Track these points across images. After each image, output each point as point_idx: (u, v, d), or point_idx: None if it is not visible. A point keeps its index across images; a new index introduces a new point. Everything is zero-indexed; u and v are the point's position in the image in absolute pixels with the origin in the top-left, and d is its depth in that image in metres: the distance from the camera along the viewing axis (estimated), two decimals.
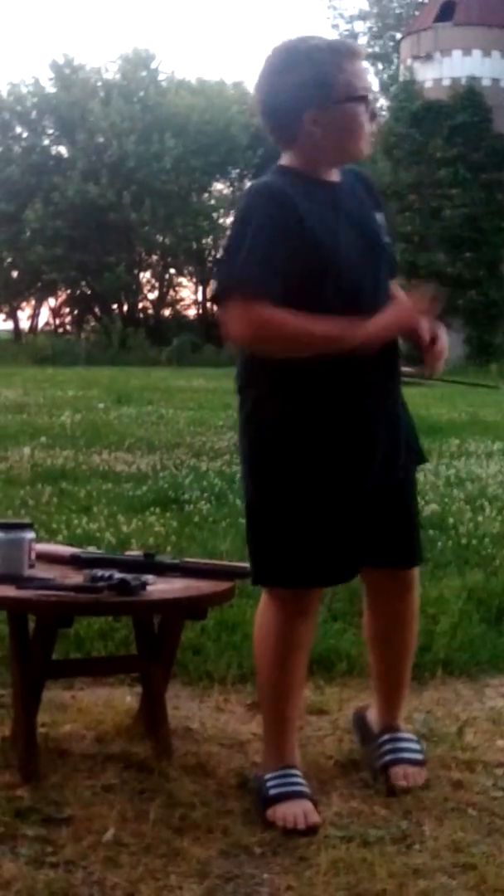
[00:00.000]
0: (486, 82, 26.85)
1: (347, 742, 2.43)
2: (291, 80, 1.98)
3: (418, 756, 2.27)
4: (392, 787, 2.18)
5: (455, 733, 2.52)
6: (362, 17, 35.88)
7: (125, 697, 2.63)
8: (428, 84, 26.51)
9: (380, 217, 2.12)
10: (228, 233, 2.04)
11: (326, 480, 2.06)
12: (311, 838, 1.98)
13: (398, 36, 31.28)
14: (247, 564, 2.42)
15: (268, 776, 2.09)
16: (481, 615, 3.46)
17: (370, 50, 35.05)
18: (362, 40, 35.89)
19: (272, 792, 2.05)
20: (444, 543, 4.41)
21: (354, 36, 36.15)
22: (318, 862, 1.88)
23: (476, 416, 11.15)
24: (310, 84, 1.97)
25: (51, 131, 35.40)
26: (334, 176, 2.09)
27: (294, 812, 2.00)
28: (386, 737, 2.28)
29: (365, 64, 2.06)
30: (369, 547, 2.15)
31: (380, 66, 34.32)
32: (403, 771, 2.20)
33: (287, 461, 2.05)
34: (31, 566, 2.25)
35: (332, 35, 48.26)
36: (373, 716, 2.36)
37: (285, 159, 2.08)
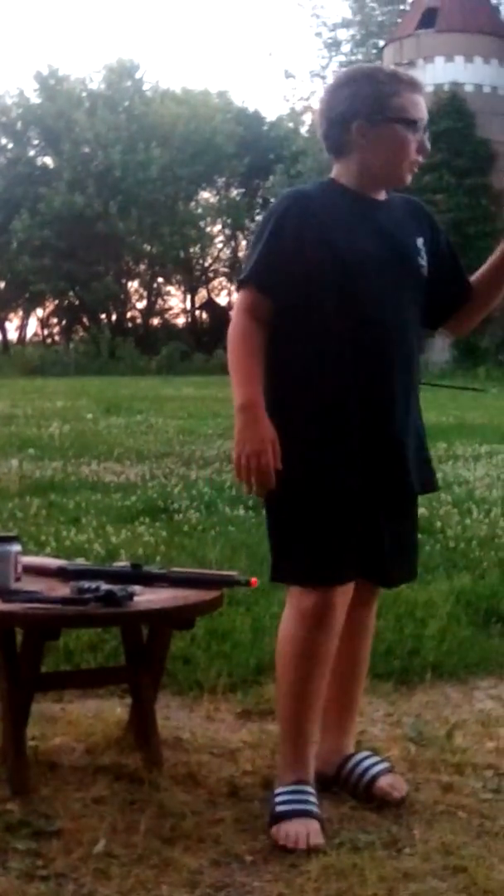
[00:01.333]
0: (468, 88, 27.05)
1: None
2: (349, 92, 2.08)
3: (387, 764, 2.26)
4: (391, 801, 2.17)
5: (444, 736, 2.53)
6: (345, 24, 36.03)
7: (115, 709, 2.63)
8: None
9: (420, 241, 2.14)
10: (255, 231, 2.15)
11: (362, 474, 2.04)
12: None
13: (381, 43, 31.41)
14: (234, 573, 2.44)
15: (279, 790, 2.07)
16: (469, 618, 3.48)
17: (353, 58, 35.16)
18: (345, 48, 36.06)
19: (279, 809, 2.03)
20: (432, 547, 4.43)
21: (337, 44, 36.30)
22: (309, 869, 1.89)
23: (463, 419, 11.20)
24: (365, 97, 2.06)
25: (36, 142, 35.49)
26: (380, 196, 2.14)
27: (298, 831, 1.97)
28: (350, 764, 2.23)
29: (423, 100, 2.12)
30: (378, 561, 2.13)
31: None
32: (388, 783, 2.19)
33: (322, 453, 2.03)
34: (18, 579, 2.26)
35: (314, 43, 48.08)
36: (322, 757, 2.21)
37: (334, 172, 2.15)
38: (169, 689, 2.75)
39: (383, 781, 2.19)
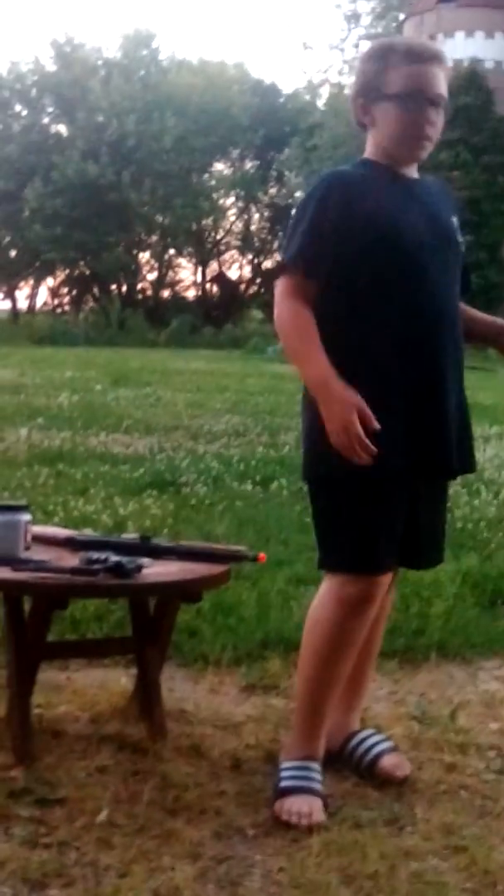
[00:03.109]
0: (488, 64, 26.70)
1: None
2: (372, 68, 2.08)
3: (391, 743, 2.27)
4: (393, 780, 2.18)
5: (448, 716, 2.53)
6: None
7: (120, 679, 2.64)
8: None
9: (455, 220, 2.16)
10: (294, 214, 2.11)
11: (407, 456, 2.02)
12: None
13: (401, 17, 31.00)
14: (242, 548, 2.43)
15: (286, 765, 2.09)
16: (476, 599, 3.48)
17: (372, 31, 34.74)
18: (365, 21, 35.62)
19: (284, 784, 2.05)
20: None
21: (357, 17, 35.86)
22: (311, 844, 1.90)
23: (473, 399, 11.10)
24: (365, 74, 2.08)
25: (50, 110, 35.20)
26: (413, 174, 2.14)
27: (300, 808, 1.98)
28: (353, 741, 2.25)
29: (443, 74, 2.09)
30: (412, 543, 2.12)
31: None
32: (392, 763, 2.20)
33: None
34: (27, 548, 2.26)
35: (333, 15, 47.41)
36: (332, 729, 2.21)
37: (367, 150, 2.15)
38: (174, 661, 2.76)
39: (386, 761, 2.20)
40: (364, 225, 2.01)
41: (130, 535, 2.56)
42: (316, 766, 2.10)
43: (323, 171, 2.20)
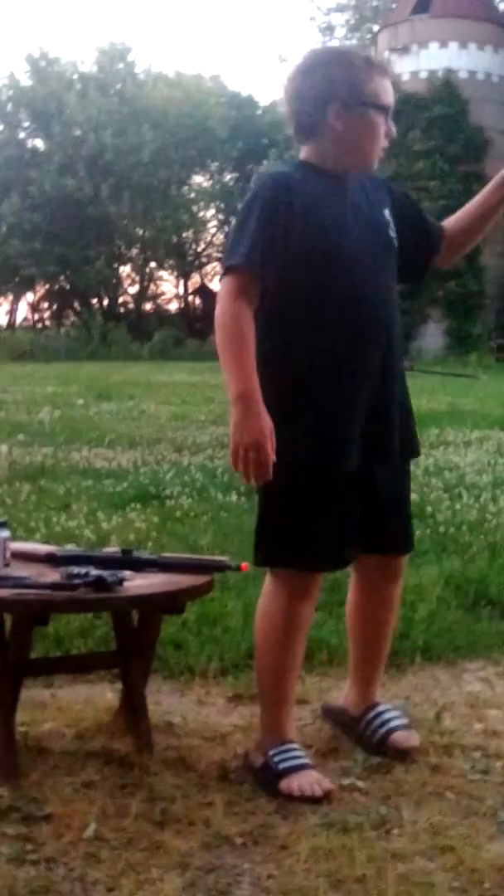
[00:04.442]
0: (462, 74, 26.89)
1: (327, 731, 2.46)
2: (322, 74, 2.07)
3: (406, 720, 2.39)
4: (402, 753, 2.28)
5: (433, 718, 2.55)
6: (340, 9, 35.74)
7: (105, 694, 2.64)
8: (405, 77, 26.53)
9: (386, 212, 2.19)
10: (236, 218, 2.13)
11: (344, 458, 2.10)
12: (291, 827, 2.00)
13: (375, 28, 31.21)
14: (225, 558, 2.45)
15: (272, 752, 2.16)
16: (459, 601, 3.50)
17: (347, 42, 34.95)
18: (339, 32, 35.79)
19: (282, 766, 2.13)
20: (422, 532, 4.44)
21: (331, 28, 36.03)
22: (299, 850, 1.90)
23: (455, 405, 11.19)
24: (340, 81, 2.07)
25: (27, 124, 35.19)
26: (346, 175, 2.17)
27: (308, 781, 2.09)
28: (372, 713, 2.36)
29: (386, 80, 2.14)
30: (369, 534, 2.21)
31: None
32: (403, 735, 2.31)
33: (302, 439, 2.07)
34: (7, 565, 2.26)
35: (308, 27, 47.65)
36: (350, 700, 2.42)
37: (303, 153, 2.17)
38: (160, 674, 2.76)
39: (397, 734, 2.31)
40: (304, 228, 2.05)
41: (112, 549, 2.56)
42: (295, 745, 2.20)
43: (260, 173, 2.22)
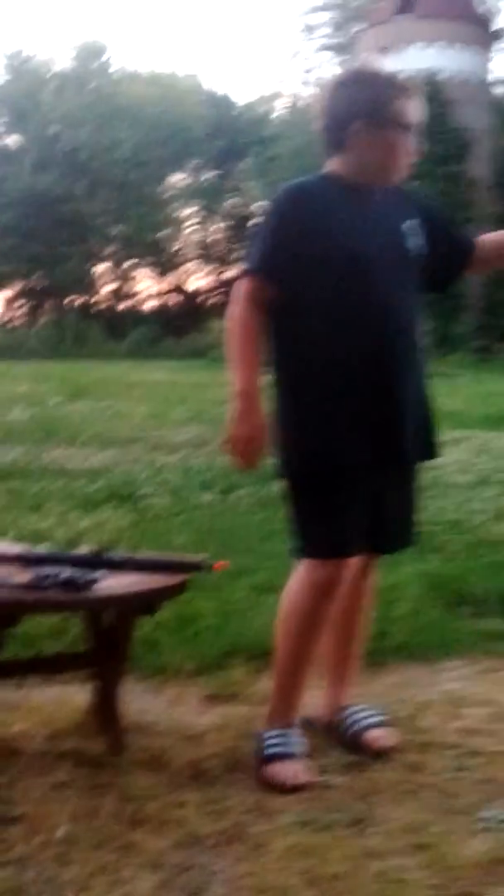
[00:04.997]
0: (444, 75, 26.98)
1: (304, 730, 2.44)
2: (351, 93, 2.21)
3: (382, 719, 2.42)
4: (376, 751, 2.30)
5: (411, 716, 2.55)
6: (322, 8, 35.76)
7: (78, 695, 2.60)
8: None
9: (407, 225, 2.26)
10: (257, 224, 2.27)
11: (354, 455, 2.18)
12: (267, 825, 1.98)
13: (359, 28, 31.27)
14: (199, 558, 2.43)
15: (269, 734, 2.25)
16: (437, 600, 3.49)
17: (329, 41, 35.01)
18: (323, 31, 35.81)
19: (269, 751, 2.21)
20: None
21: (313, 28, 36.06)
22: (274, 848, 1.89)
23: (437, 405, 11.20)
24: (366, 99, 2.19)
25: (2, 122, 34.96)
26: (371, 188, 2.25)
27: (285, 772, 2.15)
28: (346, 713, 2.41)
29: (414, 101, 2.25)
30: (370, 532, 2.26)
31: (340, 58, 34.28)
32: (376, 734, 2.35)
33: (327, 436, 2.17)
34: None
35: (289, 26, 47.62)
36: (324, 702, 2.45)
37: (329, 165, 2.27)
38: (134, 675, 2.72)
39: (370, 733, 2.34)
40: (320, 237, 2.16)
41: (85, 549, 2.54)
42: (295, 732, 2.27)
43: (284, 183, 2.31)
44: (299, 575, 2.26)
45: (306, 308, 2.18)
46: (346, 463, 2.18)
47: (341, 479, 2.19)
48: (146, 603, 2.26)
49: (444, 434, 8.89)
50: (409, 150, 2.25)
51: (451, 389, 12.79)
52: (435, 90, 26.09)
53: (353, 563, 2.28)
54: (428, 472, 6.47)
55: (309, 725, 2.39)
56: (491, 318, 25.61)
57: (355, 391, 2.17)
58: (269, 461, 2.28)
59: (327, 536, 2.21)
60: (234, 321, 2.18)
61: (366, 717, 2.39)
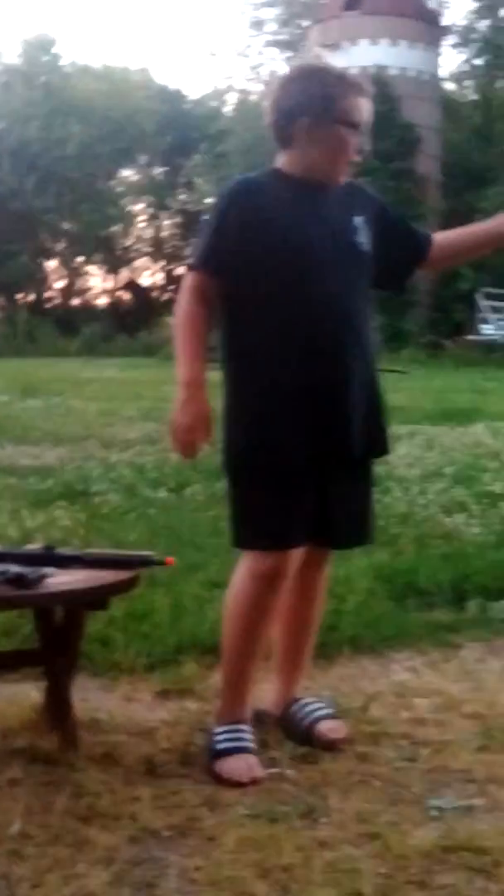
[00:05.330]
0: (393, 72, 27.09)
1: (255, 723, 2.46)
2: (299, 88, 2.21)
3: (332, 711, 2.43)
4: (327, 743, 2.31)
5: (361, 708, 2.58)
6: (270, 4, 35.73)
7: (30, 692, 2.59)
8: None
9: (358, 220, 2.26)
10: (205, 218, 2.30)
11: (308, 447, 2.20)
12: (219, 818, 2.00)
13: (306, 24, 31.32)
14: (150, 553, 2.44)
15: (219, 731, 2.24)
16: (387, 593, 3.54)
17: (277, 38, 34.99)
18: (270, 27, 35.81)
19: (220, 746, 2.21)
20: None
21: (261, 23, 36.05)
22: (226, 841, 1.91)
23: (387, 401, 11.29)
24: (314, 96, 2.18)
25: None
26: (320, 183, 2.25)
27: (238, 766, 2.15)
28: (296, 706, 2.42)
29: (363, 98, 2.25)
30: (316, 525, 2.26)
31: (287, 54, 34.32)
32: (327, 726, 2.35)
33: (272, 430, 2.19)
34: None
35: (238, 21, 47.41)
36: (275, 696, 2.46)
37: (278, 161, 2.27)
38: (86, 672, 2.73)
39: (323, 725, 2.35)
40: (265, 232, 2.17)
41: (34, 546, 2.53)
42: (246, 727, 2.26)
43: (232, 177, 2.33)
44: (243, 566, 2.27)
45: (252, 302, 2.19)
46: (288, 456, 2.19)
47: (284, 471, 2.19)
48: (96, 599, 2.26)
49: (395, 429, 8.95)
50: (356, 149, 2.25)
51: (401, 385, 12.90)
52: (383, 86, 26.20)
53: (299, 555, 2.28)
54: (378, 466, 6.54)
55: (260, 719, 2.41)
56: (440, 315, 25.86)
57: (300, 385, 2.18)
58: (212, 452, 2.30)
59: (269, 528, 2.22)
60: (179, 315, 2.21)
61: (316, 710, 2.40)
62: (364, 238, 2.27)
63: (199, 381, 2.18)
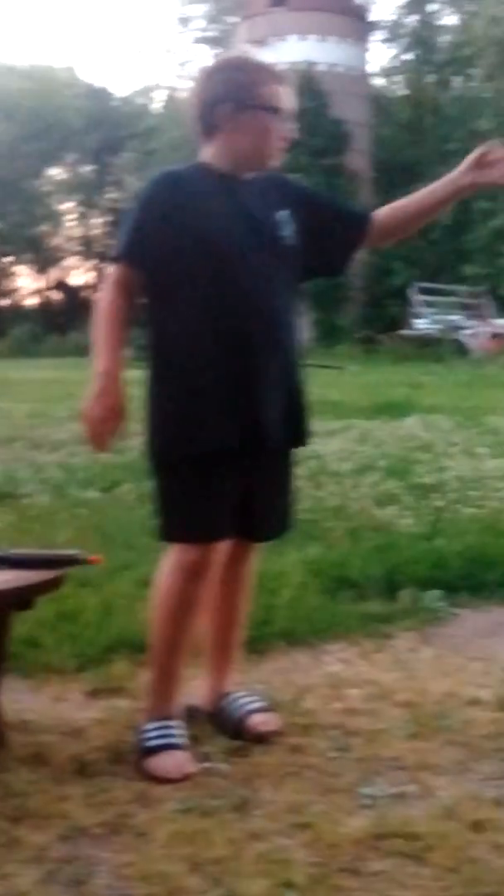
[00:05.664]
0: (322, 67, 27.25)
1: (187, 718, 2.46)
2: (221, 78, 2.22)
3: (264, 703, 2.44)
4: (258, 736, 2.32)
5: (293, 700, 2.59)
6: (197, 0, 35.64)
7: None
8: None
9: (282, 214, 2.26)
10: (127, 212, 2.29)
11: (227, 439, 2.19)
12: (150, 814, 1.99)
13: (234, 20, 31.31)
14: (75, 551, 2.42)
15: (148, 727, 2.23)
16: (320, 586, 3.55)
17: (205, 34, 34.94)
18: (198, 24, 35.73)
19: (149, 744, 2.19)
20: None
21: (187, 20, 35.93)
22: (157, 836, 1.90)
23: (322, 396, 11.34)
24: (235, 84, 2.20)
25: None
26: (244, 176, 2.25)
27: (168, 763, 2.15)
28: (227, 700, 2.42)
29: (286, 89, 2.26)
30: (251, 515, 2.28)
31: (216, 51, 34.28)
32: (259, 719, 2.36)
33: (190, 420, 2.18)
34: None
35: (165, 18, 47.20)
36: (206, 691, 2.46)
37: (203, 155, 2.27)
38: (15, 673, 2.69)
39: (253, 717, 2.35)
40: (186, 225, 2.17)
41: None
42: (175, 723, 2.25)
43: (155, 170, 2.31)
44: (169, 560, 2.26)
45: (174, 294, 2.19)
46: (210, 448, 2.19)
47: (206, 463, 2.19)
48: (21, 598, 2.23)
49: (327, 423, 8.99)
50: (281, 135, 2.25)
51: (336, 380, 13.02)
52: (311, 82, 26.34)
53: (224, 548, 2.28)
54: (310, 460, 6.57)
55: (191, 714, 2.40)
56: (374, 310, 26.12)
57: (221, 377, 2.18)
58: (126, 443, 2.28)
59: (193, 520, 2.22)
60: (100, 306, 2.21)
61: (248, 703, 2.41)
62: (288, 231, 2.27)
63: (115, 373, 2.16)
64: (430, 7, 31.44)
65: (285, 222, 2.27)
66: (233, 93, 2.19)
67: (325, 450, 6.83)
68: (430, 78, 31.93)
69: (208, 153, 2.26)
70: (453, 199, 2.34)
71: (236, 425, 2.20)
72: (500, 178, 2.27)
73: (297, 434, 2.34)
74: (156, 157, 28.29)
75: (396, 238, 2.43)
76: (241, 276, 2.19)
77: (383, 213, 2.40)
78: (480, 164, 2.28)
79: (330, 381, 12.85)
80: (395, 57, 33.13)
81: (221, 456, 2.20)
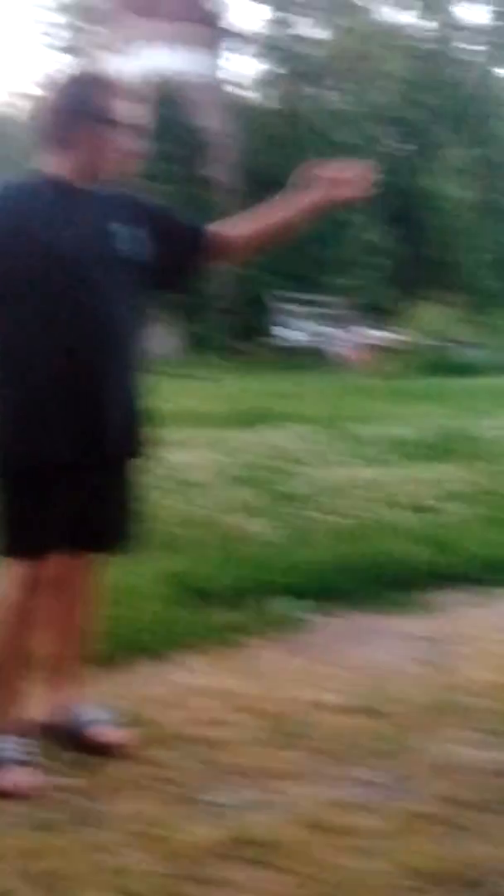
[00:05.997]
0: (176, 76, 27.23)
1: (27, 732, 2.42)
2: (65, 93, 2.25)
3: (108, 716, 2.44)
4: (102, 748, 2.32)
5: (138, 711, 2.57)
6: (61, 9, 35.01)
7: None
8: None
9: (119, 227, 2.25)
10: None
11: (62, 451, 2.19)
12: None
13: (85, 29, 30.90)
14: None
15: None
16: (168, 596, 3.51)
17: (69, 43, 34.31)
18: (61, 33, 35.03)
19: None
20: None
21: (42, 28, 34.93)
22: None
23: (180, 405, 11.29)
24: (78, 99, 2.22)
25: None
26: (88, 188, 2.26)
27: (5, 779, 2.14)
28: (70, 713, 2.41)
29: (139, 103, 2.28)
30: (76, 529, 2.27)
31: (68, 59, 33.70)
32: (101, 731, 2.37)
33: (14, 433, 2.18)
34: None
35: (27, 25, 45.45)
36: (47, 704, 2.42)
37: (47, 164, 2.26)
38: None
39: (97, 731, 2.36)
40: (22, 236, 2.16)
41: None
42: (11, 738, 2.24)
43: None
44: (6, 573, 2.25)
45: (12, 306, 2.18)
46: (44, 461, 2.19)
47: (40, 477, 2.19)
48: None
49: (181, 433, 8.78)
50: (121, 147, 2.26)
51: (211, 392, 12.99)
52: (166, 91, 26.28)
53: (60, 561, 2.27)
54: (162, 470, 6.45)
55: (34, 727, 2.38)
56: (236, 319, 26.23)
57: (57, 390, 2.18)
58: None
59: (23, 534, 2.21)
60: None
61: (90, 716, 2.40)
62: (126, 245, 2.25)
63: None
64: (302, 23, 31.83)
65: (122, 235, 2.27)
66: (80, 107, 2.21)
67: (178, 459, 6.80)
68: (306, 90, 32.32)
69: (51, 165, 2.25)
70: (309, 215, 2.36)
71: (71, 438, 2.19)
72: (353, 194, 2.33)
73: (136, 445, 2.33)
74: (2, 165, 27.54)
75: (251, 253, 2.47)
76: (80, 289, 2.18)
77: (233, 231, 2.39)
78: (332, 181, 2.31)
79: (190, 391, 12.85)
80: (269, 71, 33.43)
81: (56, 469, 2.20)
